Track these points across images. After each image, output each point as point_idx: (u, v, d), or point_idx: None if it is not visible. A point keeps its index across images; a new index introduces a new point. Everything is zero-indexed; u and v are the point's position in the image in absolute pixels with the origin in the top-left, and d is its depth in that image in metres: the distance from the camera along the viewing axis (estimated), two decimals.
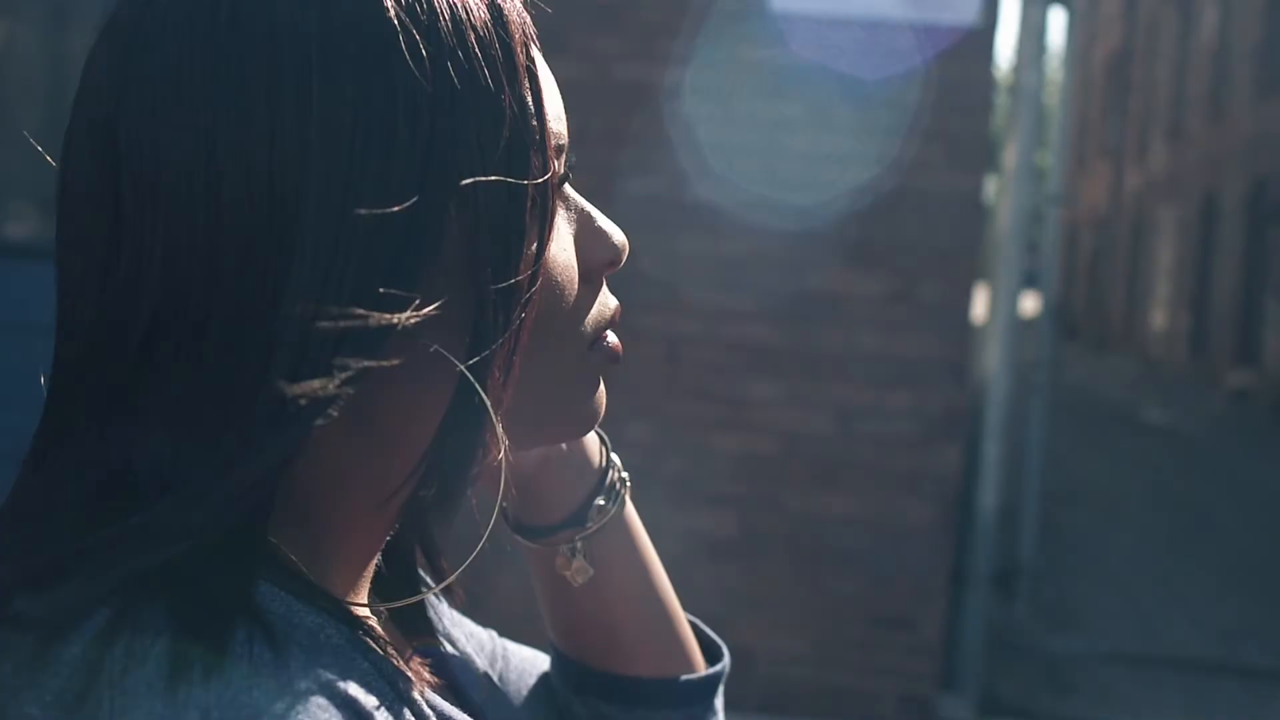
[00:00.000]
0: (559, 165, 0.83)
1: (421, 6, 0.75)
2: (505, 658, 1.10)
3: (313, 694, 0.68)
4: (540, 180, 0.79)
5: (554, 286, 0.82)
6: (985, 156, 4.97)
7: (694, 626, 1.12)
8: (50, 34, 5.54)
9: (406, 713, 0.74)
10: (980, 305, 5.51)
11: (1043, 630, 6.69)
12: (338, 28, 0.72)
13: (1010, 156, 5.40)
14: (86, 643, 0.68)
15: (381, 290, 0.72)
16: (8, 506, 0.77)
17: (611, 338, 0.89)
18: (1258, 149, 21.58)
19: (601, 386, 0.90)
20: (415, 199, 0.73)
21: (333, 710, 0.68)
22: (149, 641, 0.67)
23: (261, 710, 0.66)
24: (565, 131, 0.84)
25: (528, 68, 0.79)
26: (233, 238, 0.71)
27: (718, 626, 1.24)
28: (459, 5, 0.77)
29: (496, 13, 0.79)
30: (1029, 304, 18.44)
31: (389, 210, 0.72)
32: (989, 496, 5.40)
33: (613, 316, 0.90)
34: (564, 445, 1.01)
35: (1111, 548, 9.41)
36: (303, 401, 0.70)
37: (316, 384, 0.70)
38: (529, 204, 0.78)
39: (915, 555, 4.89)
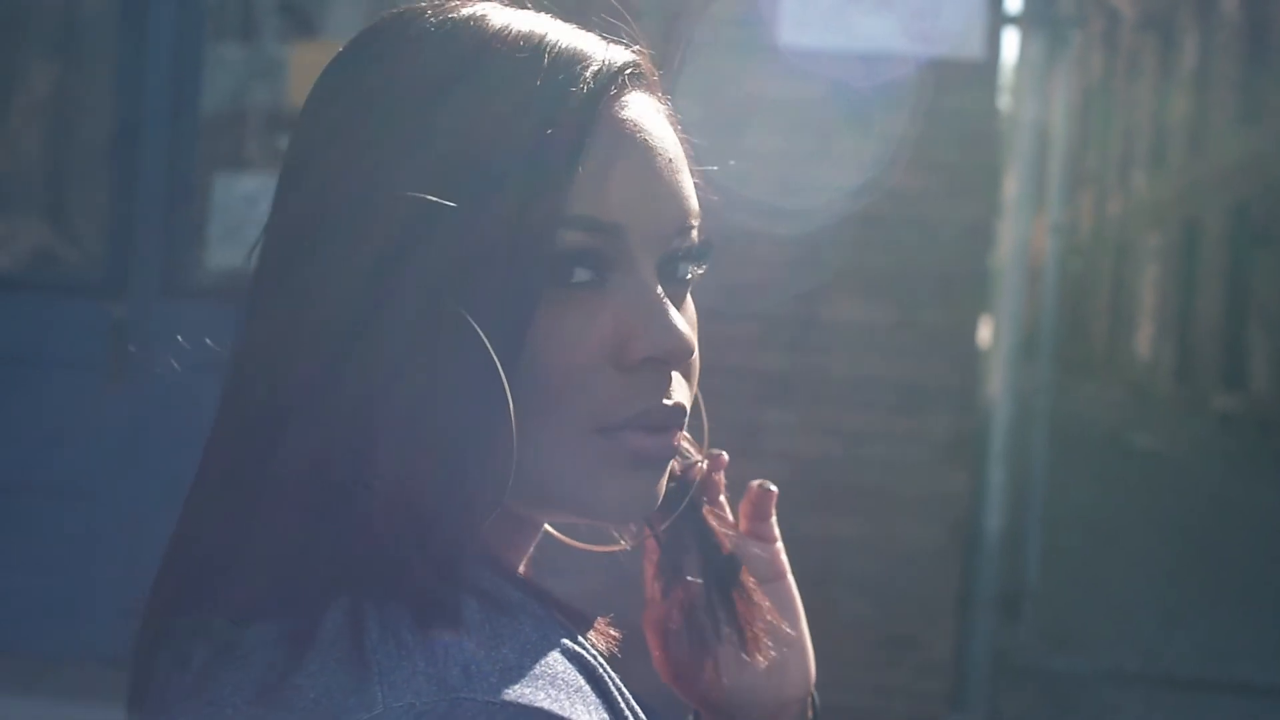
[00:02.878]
0: (597, 241, 0.84)
1: (467, 81, 0.84)
2: None
3: (551, 650, 0.79)
4: (531, 259, 0.81)
5: (547, 361, 0.83)
6: (989, 186, 5.08)
7: None
8: (51, 64, 5.61)
9: (607, 675, 0.83)
10: (984, 332, 5.60)
11: (1047, 650, 6.76)
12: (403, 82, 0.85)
13: (1010, 186, 5.50)
14: (340, 620, 0.77)
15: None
16: (223, 519, 0.85)
17: (635, 435, 0.87)
18: (1239, 175, 21.74)
19: (629, 482, 0.88)
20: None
21: (569, 664, 0.79)
22: (397, 613, 0.77)
23: (512, 664, 0.76)
24: (628, 218, 0.85)
25: (563, 148, 0.83)
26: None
27: None
28: (508, 84, 0.84)
29: (554, 91, 0.84)
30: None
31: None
32: (994, 520, 5.47)
33: (646, 412, 0.87)
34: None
35: (1111, 570, 9.50)
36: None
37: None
38: (515, 280, 0.81)
39: (923, 577, 4.97)
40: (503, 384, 0.80)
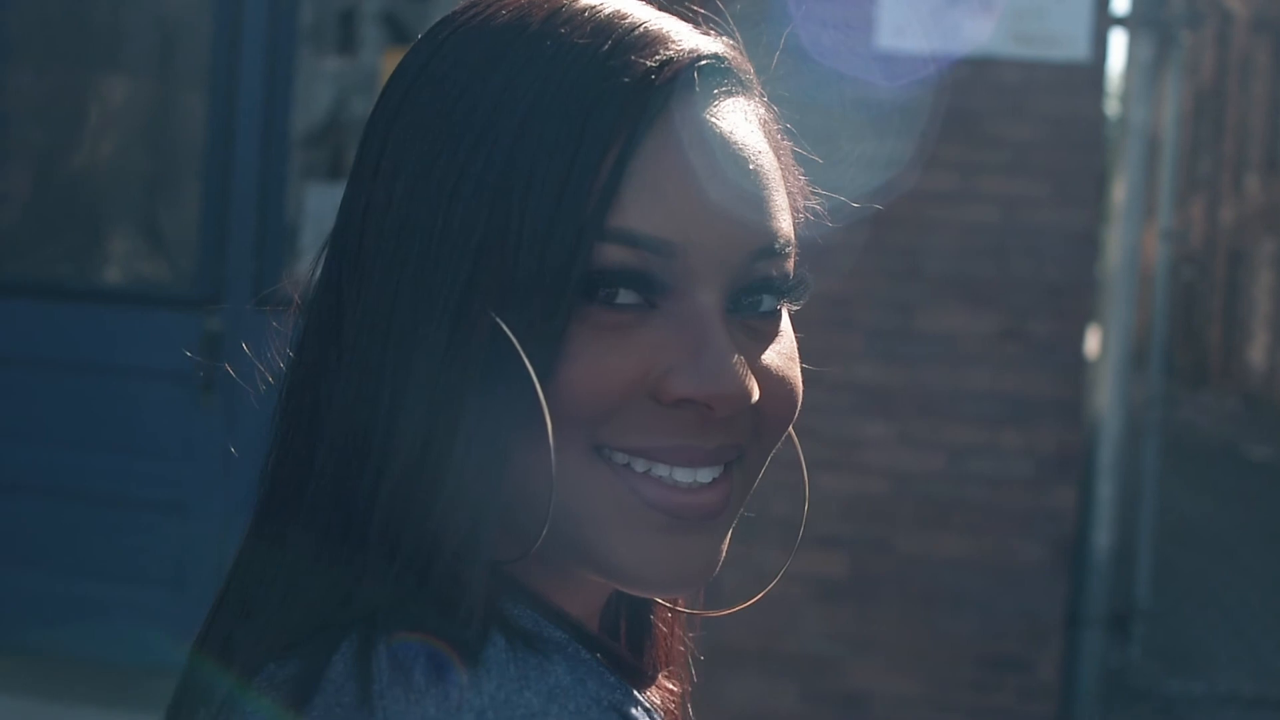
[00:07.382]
0: (643, 259, 0.72)
1: (488, 103, 0.73)
2: None
3: (583, 695, 0.69)
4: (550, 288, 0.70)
5: (575, 387, 0.72)
6: (1095, 192, 4.93)
7: None
8: (144, 77, 5.65)
9: None
10: (1092, 342, 5.47)
11: (1159, 672, 6.60)
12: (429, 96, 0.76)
13: (1119, 192, 5.36)
14: (350, 661, 0.69)
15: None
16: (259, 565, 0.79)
17: (651, 485, 0.74)
18: None
19: (652, 542, 0.75)
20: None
21: (604, 712, 0.69)
22: (411, 652, 0.68)
23: (536, 710, 0.66)
24: (686, 236, 0.73)
25: (585, 171, 0.71)
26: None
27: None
28: (556, 73, 0.73)
29: (606, 81, 0.73)
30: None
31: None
32: (1103, 536, 5.33)
33: (662, 450, 0.74)
34: None
35: (1225, 588, 9.28)
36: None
37: None
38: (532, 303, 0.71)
39: (1029, 596, 4.84)
40: (542, 406, 0.70)
